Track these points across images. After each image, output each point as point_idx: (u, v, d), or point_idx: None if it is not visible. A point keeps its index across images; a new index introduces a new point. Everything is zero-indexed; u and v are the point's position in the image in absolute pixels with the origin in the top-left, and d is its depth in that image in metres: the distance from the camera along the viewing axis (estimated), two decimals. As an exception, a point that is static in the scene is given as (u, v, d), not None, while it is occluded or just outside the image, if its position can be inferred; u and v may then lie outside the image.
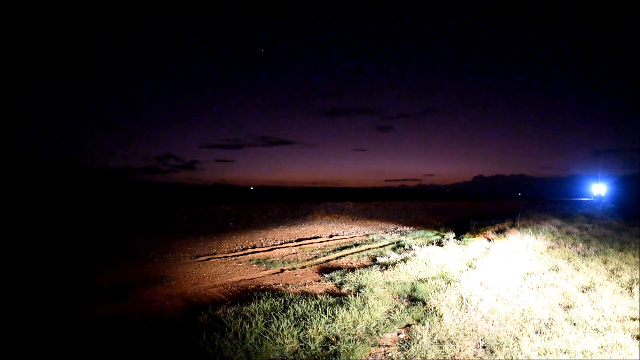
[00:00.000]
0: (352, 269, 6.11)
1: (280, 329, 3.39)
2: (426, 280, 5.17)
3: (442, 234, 11.00)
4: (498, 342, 3.31)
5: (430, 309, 4.13)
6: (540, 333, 3.48)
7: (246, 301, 4.33)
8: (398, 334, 3.63)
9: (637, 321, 3.81)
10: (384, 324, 3.74)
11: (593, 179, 34.71)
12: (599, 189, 32.74)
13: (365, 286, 4.91)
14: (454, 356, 3.16)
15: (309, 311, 3.87)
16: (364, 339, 3.40)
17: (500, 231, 10.21)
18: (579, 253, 7.09)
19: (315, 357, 3.10)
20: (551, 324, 3.70)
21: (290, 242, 9.93)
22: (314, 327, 3.47)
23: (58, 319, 4.09)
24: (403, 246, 8.61)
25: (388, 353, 3.25)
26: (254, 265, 6.95)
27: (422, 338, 3.39)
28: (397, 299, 4.62)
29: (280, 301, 4.21)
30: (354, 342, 3.28)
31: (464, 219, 16.65)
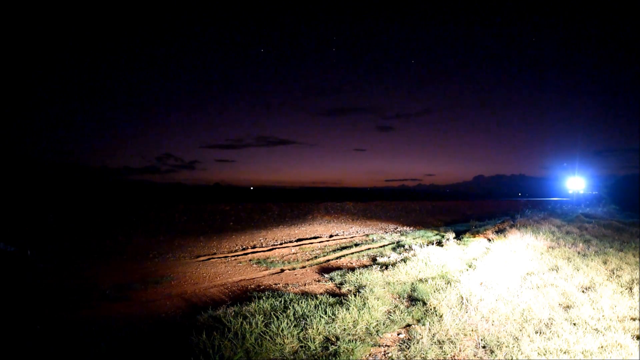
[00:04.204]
0: (352, 269, 6.11)
1: (280, 329, 3.39)
2: (426, 280, 5.17)
3: (442, 234, 10.99)
4: (498, 342, 3.31)
5: (430, 309, 4.12)
6: (540, 333, 3.48)
7: (246, 301, 4.33)
8: (398, 334, 3.63)
9: (637, 321, 3.81)
10: (384, 324, 3.74)
11: (569, 174, 28.64)
12: (576, 184, 27.94)
13: (365, 286, 4.90)
14: (454, 356, 3.16)
15: (309, 311, 3.87)
16: (364, 339, 3.40)
17: (500, 231, 10.20)
18: (579, 253, 7.08)
19: (315, 357, 3.10)
20: (551, 324, 3.70)
21: (290, 242, 9.93)
22: (314, 327, 3.46)
23: (58, 319, 4.09)
24: (403, 246, 8.60)
25: (388, 353, 3.25)
26: (254, 265, 6.95)
27: (422, 338, 3.39)
28: (397, 299, 4.62)
29: (280, 301, 4.21)
30: (354, 342, 3.28)
31: (464, 219, 16.67)
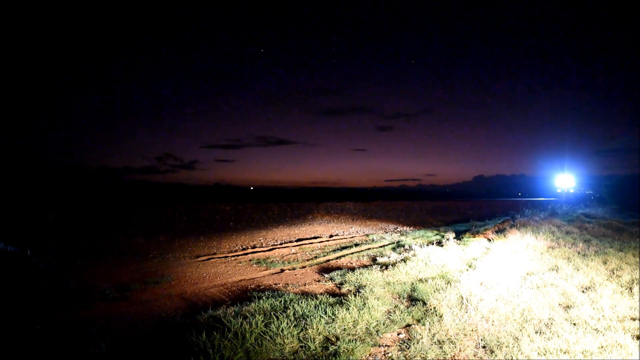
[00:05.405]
0: (352, 269, 6.11)
1: (280, 329, 3.39)
2: (426, 280, 5.17)
3: (442, 234, 10.99)
4: (498, 342, 3.31)
5: (430, 309, 4.12)
6: (540, 333, 3.48)
7: (246, 301, 4.33)
8: (398, 334, 3.63)
9: (637, 321, 3.81)
10: (384, 324, 3.74)
11: (558, 170, 26.78)
12: (566, 182, 26.37)
13: (365, 286, 4.90)
14: (454, 356, 3.16)
15: (309, 311, 3.87)
16: (364, 339, 3.40)
17: (500, 231, 10.20)
18: (578, 253, 7.08)
19: (315, 357, 3.10)
20: (551, 324, 3.70)
21: (290, 242, 9.93)
22: (314, 327, 3.46)
23: (58, 319, 4.09)
24: (403, 246, 8.60)
25: (388, 353, 3.25)
26: (254, 265, 6.95)
27: (422, 338, 3.39)
28: (397, 299, 4.62)
29: (280, 301, 4.21)
30: (354, 342, 3.28)
31: (464, 219, 16.67)
